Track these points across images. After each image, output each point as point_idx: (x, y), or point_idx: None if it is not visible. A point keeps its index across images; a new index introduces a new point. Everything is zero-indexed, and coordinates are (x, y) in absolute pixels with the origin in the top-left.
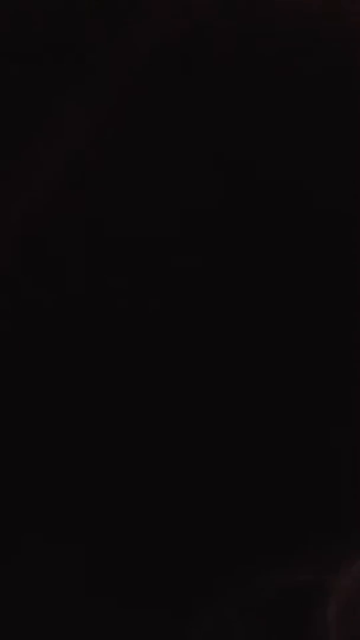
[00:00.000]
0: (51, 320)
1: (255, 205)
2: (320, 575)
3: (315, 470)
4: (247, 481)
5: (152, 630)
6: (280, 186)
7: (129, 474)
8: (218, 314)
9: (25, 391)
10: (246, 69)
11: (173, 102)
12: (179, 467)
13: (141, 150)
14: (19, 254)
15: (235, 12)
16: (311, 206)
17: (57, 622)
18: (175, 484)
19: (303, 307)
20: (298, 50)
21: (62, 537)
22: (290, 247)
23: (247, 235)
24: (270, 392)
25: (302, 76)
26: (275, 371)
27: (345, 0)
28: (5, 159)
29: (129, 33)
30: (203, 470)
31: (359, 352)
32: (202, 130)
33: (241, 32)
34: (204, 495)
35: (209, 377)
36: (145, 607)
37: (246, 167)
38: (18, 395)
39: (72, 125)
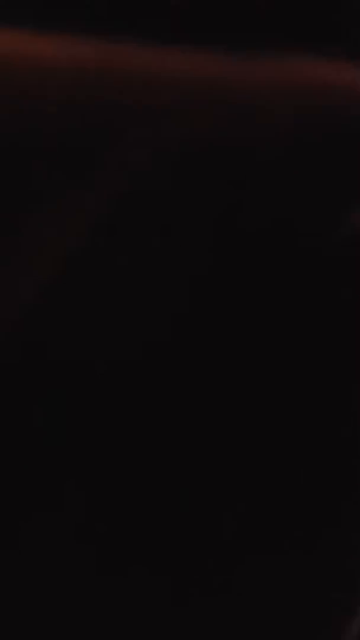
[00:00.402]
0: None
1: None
2: None
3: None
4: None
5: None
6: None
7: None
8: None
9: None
10: (245, 180)
11: (171, 208)
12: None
13: (138, 255)
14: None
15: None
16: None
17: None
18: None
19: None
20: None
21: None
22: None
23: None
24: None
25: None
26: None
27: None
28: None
29: (127, 142)
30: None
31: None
32: (201, 234)
33: (241, 140)
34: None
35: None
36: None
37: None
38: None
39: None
